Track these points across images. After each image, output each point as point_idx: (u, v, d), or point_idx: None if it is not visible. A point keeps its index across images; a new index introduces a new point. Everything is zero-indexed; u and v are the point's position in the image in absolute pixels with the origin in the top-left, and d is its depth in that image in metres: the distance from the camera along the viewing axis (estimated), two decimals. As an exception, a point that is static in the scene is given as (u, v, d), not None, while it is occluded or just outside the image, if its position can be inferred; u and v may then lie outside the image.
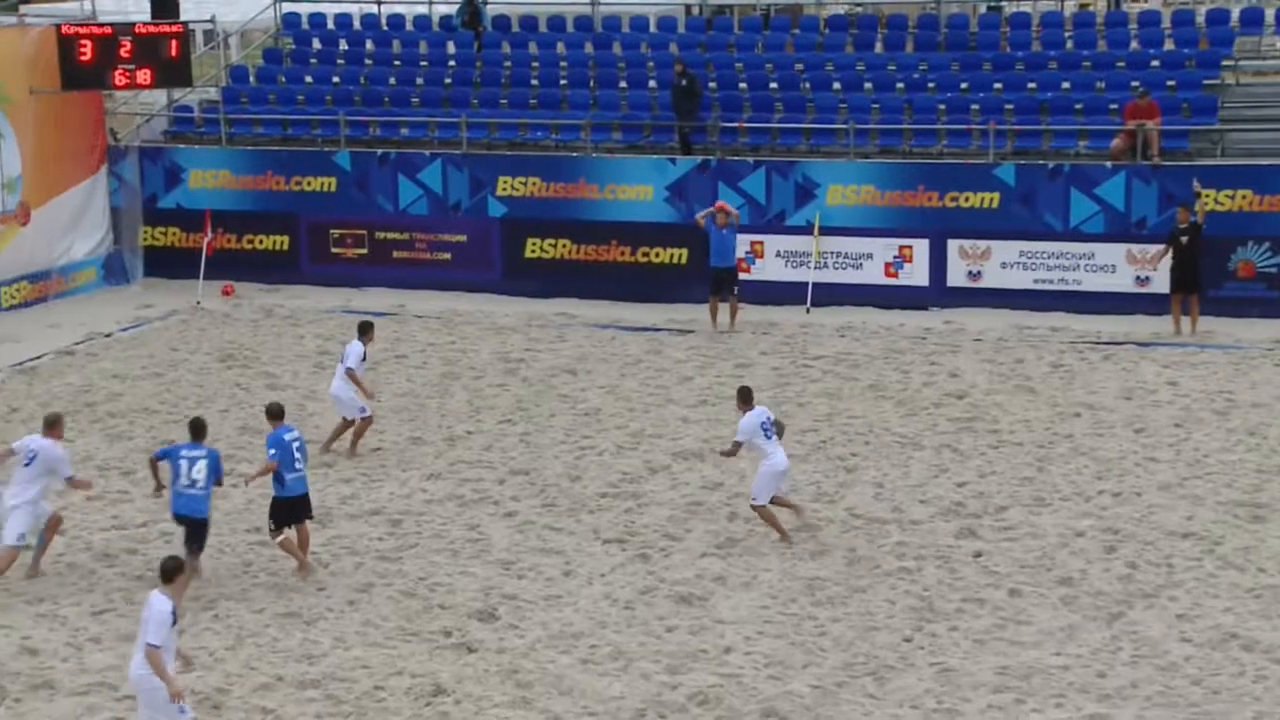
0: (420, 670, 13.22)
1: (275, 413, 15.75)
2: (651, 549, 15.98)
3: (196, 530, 14.89)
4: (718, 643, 13.76)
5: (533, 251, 28.00)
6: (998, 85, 27.68)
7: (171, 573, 11.61)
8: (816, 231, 26.53)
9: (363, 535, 16.45)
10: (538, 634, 13.98)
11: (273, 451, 15.25)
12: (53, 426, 15.42)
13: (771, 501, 16.10)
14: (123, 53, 27.34)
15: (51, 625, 14.14)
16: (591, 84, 29.65)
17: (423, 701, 12.67)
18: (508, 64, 30.53)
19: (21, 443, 15.40)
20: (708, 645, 13.71)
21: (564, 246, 27.88)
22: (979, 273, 26.17)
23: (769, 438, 16.06)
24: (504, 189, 28.07)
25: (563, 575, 15.33)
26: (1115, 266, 25.54)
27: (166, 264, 29.18)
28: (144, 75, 27.76)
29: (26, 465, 15.09)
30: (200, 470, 14.71)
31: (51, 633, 13.95)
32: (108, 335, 25.38)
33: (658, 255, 27.54)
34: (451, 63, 31.04)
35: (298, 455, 15.28)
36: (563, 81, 29.89)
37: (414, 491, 17.77)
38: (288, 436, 15.32)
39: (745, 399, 16.32)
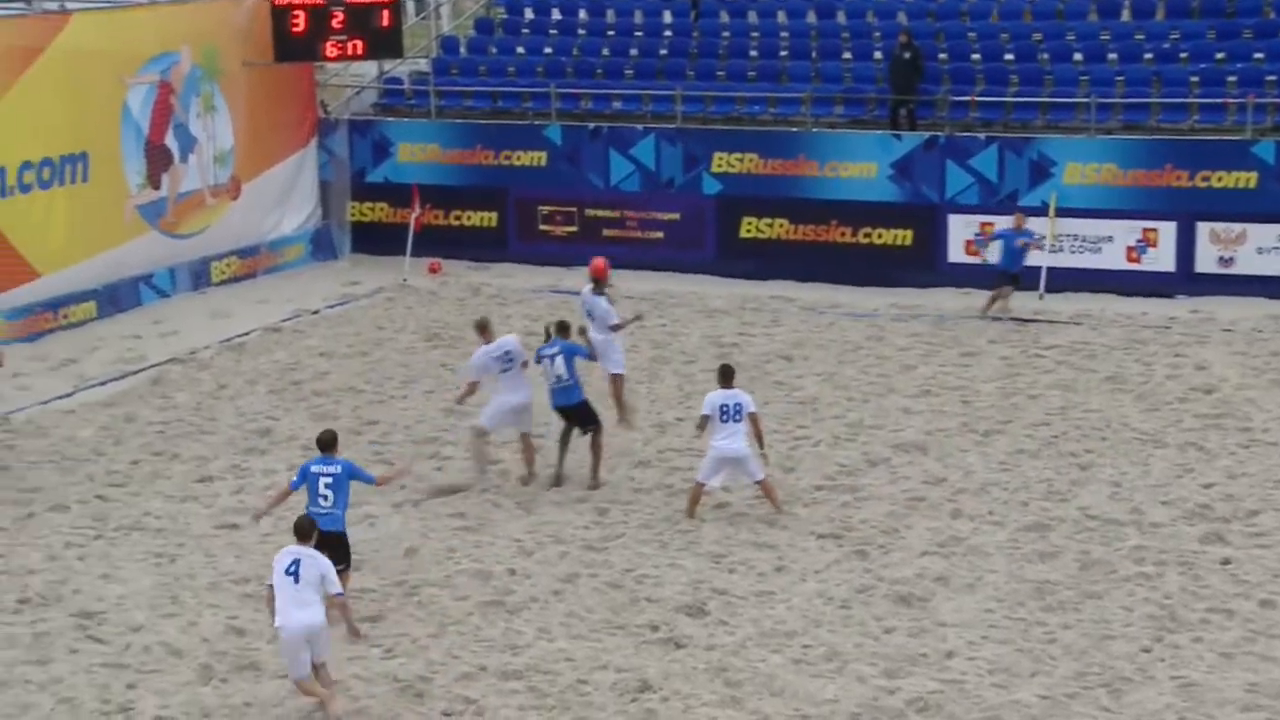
0: (626, 665, 13.34)
1: (325, 443, 14.80)
2: (869, 545, 15.88)
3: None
4: (939, 646, 13.62)
5: (748, 231, 27.97)
6: (1258, 55, 26.74)
7: (303, 532, 12.78)
8: (1052, 213, 26.00)
9: (568, 523, 16.64)
10: (748, 631, 14.00)
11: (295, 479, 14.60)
12: (484, 330, 18.02)
13: (764, 488, 16.67)
14: (334, 24, 28.03)
15: (257, 606, 14.58)
16: (813, 55, 29.48)
17: (628, 697, 12.79)
18: (725, 34, 30.53)
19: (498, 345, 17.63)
20: (928, 649, 13.58)
21: (781, 226, 27.79)
22: (1231, 258, 25.38)
23: (724, 421, 16.34)
24: (719, 165, 28.09)
25: (775, 571, 15.32)
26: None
27: (373, 240, 29.82)
28: (355, 46, 28.41)
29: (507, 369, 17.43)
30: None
31: (258, 614, 14.40)
32: (315, 312, 26.08)
33: (880, 236, 27.28)
34: (667, 33, 31.14)
35: (324, 492, 14.20)
36: (783, 52, 29.76)
37: (622, 480, 17.91)
38: (314, 469, 14.41)
39: (725, 377, 16.70)
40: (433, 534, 16.36)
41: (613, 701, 12.73)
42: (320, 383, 21.94)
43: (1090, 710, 12.45)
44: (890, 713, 12.48)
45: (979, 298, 25.34)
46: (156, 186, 26.77)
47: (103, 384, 22.06)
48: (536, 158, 29.15)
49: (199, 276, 27.47)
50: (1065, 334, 23.70)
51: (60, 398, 21.36)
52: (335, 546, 13.59)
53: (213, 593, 14.96)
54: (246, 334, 24.70)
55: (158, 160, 26.75)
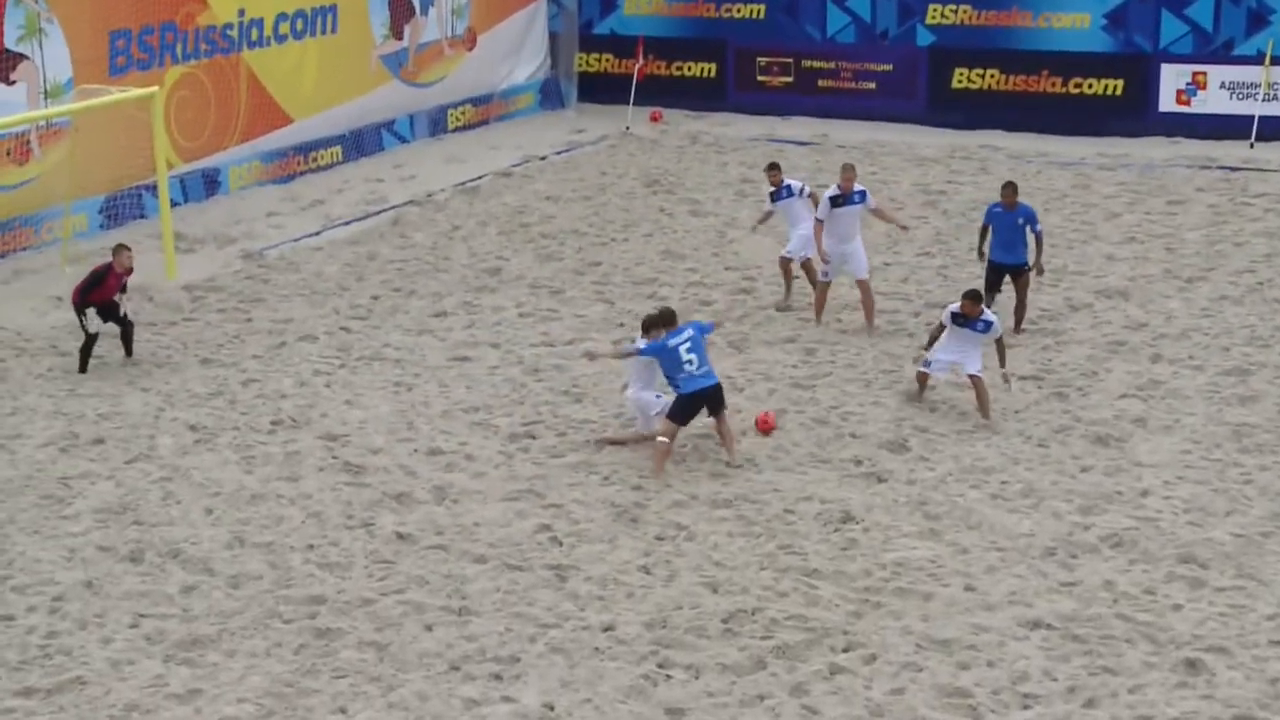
0: (830, 496, 13.31)
1: (664, 320, 14.22)
2: (1069, 387, 15.53)
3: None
4: (1134, 485, 13.31)
5: (959, 81, 27.23)
6: None
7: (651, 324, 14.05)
8: (1268, 61, 24.77)
9: (778, 362, 16.57)
10: (949, 467, 13.83)
11: (645, 357, 14.08)
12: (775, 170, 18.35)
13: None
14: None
15: (485, 434, 14.85)
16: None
17: (831, 527, 12.77)
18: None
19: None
20: (1123, 487, 13.29)
21: (992, 77, 26.99)
22: None
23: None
24: (934, 17, 27.31)
25: (975, 409, 15.07)
26: None
27: (599, 90, 29.78)
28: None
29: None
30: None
31: (486, 440, 14.67)
32: (542, 158, 26.19)
33: (1091, 86, 26.34)
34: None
35: (687, 358, 13.79)
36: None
37: (829, 321, 17.74)
38: (672, 342, 13.87)
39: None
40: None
41: (816, 530, 12.72)
42: (547, 225, 22.08)
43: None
44: (1084, 547, 12.26)
45: (1189, 146, 24.39)
46: (399, 37, 27.01)
47: (347, 224, 22.52)
48: (756, 10, 28.67)
49: (436, 123, 27.75)
50: (1275, 182, 22.67)
51: (309, 235, 21.89)
52: (716, 396, 13.98)
53: (445, 420, 15.26)
54: (479, 178, 24.92)
55: (400, 12, 26.96)
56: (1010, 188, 17.19)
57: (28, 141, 20.72)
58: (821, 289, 17.62)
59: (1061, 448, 14.15)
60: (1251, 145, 24.52)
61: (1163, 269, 18.99)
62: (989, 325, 14.76)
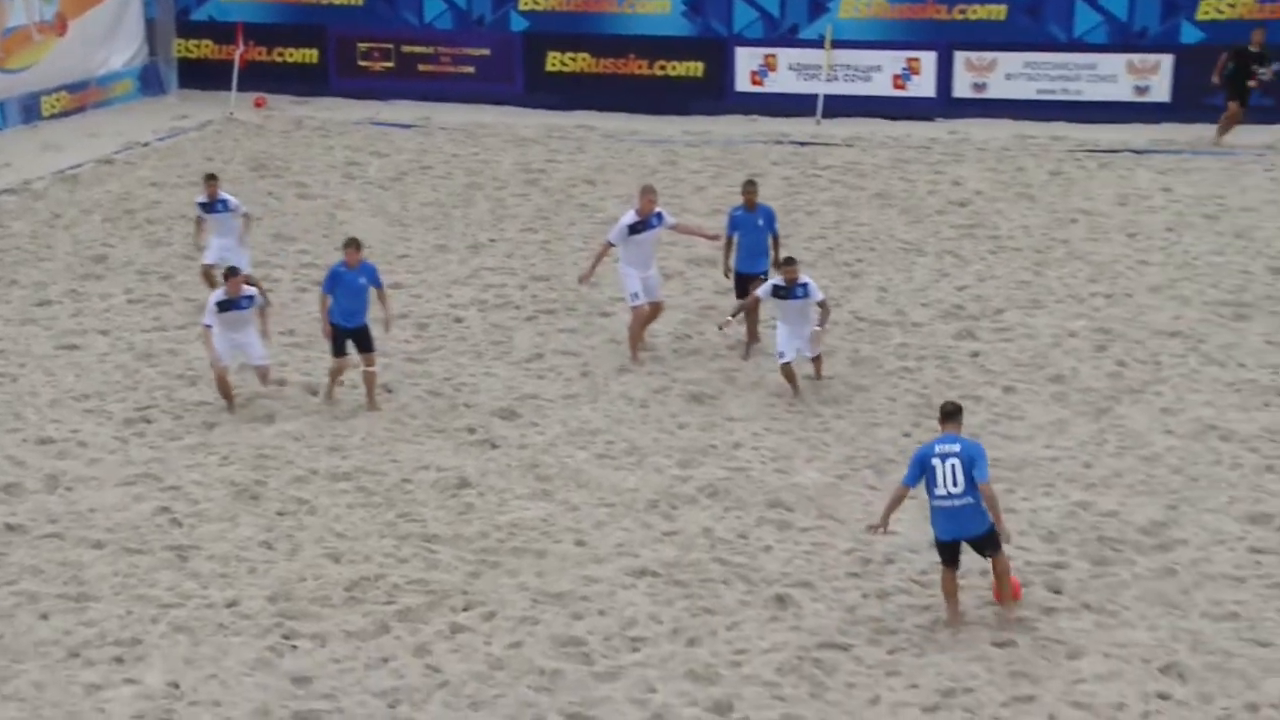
0: (446, 464, 13.36)
1: (947, 413, 10.89)
2: (665, 350, 16.01)
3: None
4: (726, 439, 13.86)
5: (553, 65, 27.58)
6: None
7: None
8: (828, 45, 26.05)
9: (391, 337, 16.45)
10: (557, 430, 14.08)
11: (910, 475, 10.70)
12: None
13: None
14: None
15: (99, 420, 14.27)
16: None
17: (449, 493, 12.83)
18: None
19: None
20: (717, 441, 13.81)
21: (584, 60, 27.45)
22: (984, 84, 25.75)
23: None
24: (526, 3, 27.55)
25: (581, 375, 15.39)
26: (1116, 76, 25.12)
27: (200, 76, 28.81)
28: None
29: None
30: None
31: (99, 427, 14.10)
32: (145, 144, 25.20)
33: (674, 69, 27.10)
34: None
35: (946, 477, 10.43)
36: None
37: (439, 296, 17.76)
38: (940, 449, 10.53)
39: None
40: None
41: (434, 498, 12.77)
42: (153, 211, 21.28)
43: (858, 489, 12.81)
44: (684, 498, 12.70)
45: (764, 124, 25.47)
46: (-15, 24, 25.49)
47: (-58, 217, 21.18)
48: (353, -4, 28.29)
49: (30, 111, 26.31)
50: (839, 155, 23.89)
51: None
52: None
53: (55, 409, 14.58)
54: (79, 166, 23.79)
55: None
56: (750, 186, 15.93)
57: None
58: (636, 315, 15.70)
59: (661, 407, 14.60)
60: (818, 122, 25.77)
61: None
62: (807, 288, 14.45)
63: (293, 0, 28.56)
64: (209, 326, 14.27)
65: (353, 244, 14.55)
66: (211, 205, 17.53)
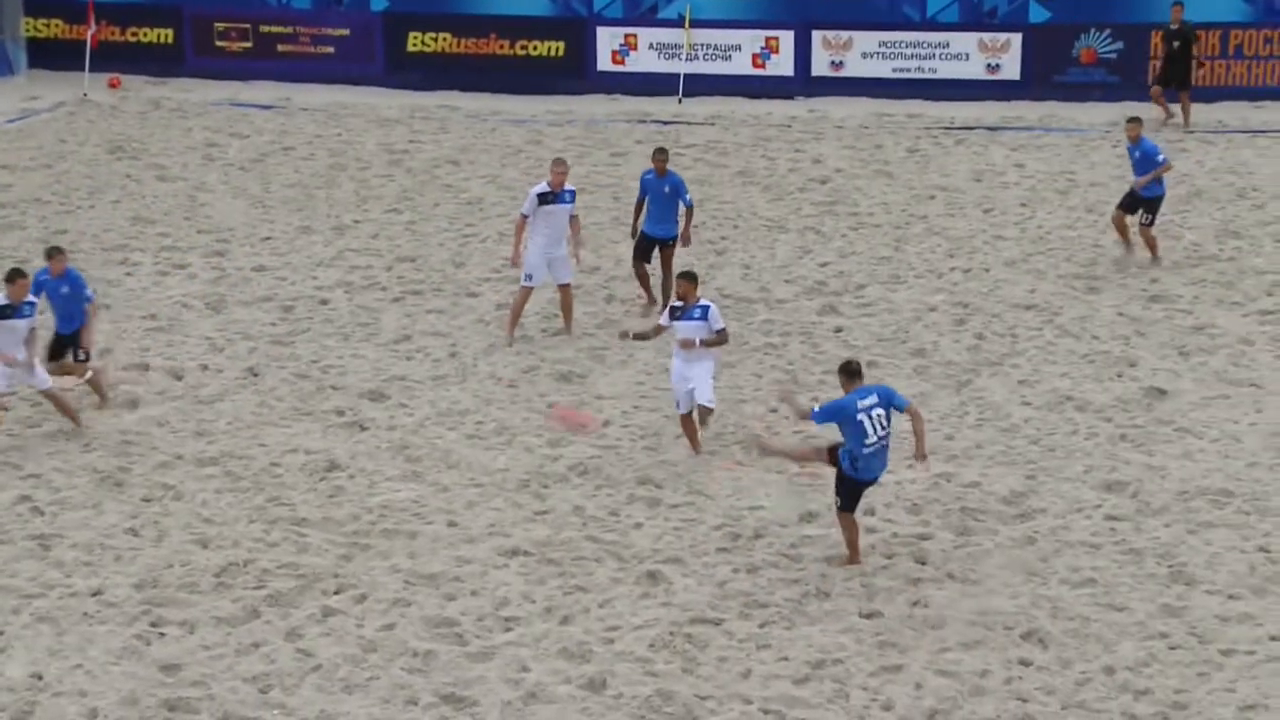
0: (315, 447, 13.16)
1: (852, 371, 11.15)
2: (534, 330, 15.92)
3: None
4: (597, 416, 13.82)
5: (415, 45, 27.25)
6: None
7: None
8: (687, 24, 26.07)
9: (256, 321, 16.19)
10: (426, 412, 13.94)
11: (826, 422, 11.18)
12: None
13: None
14: None
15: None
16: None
17: (318, 476, 12.64)
18: None
19: None
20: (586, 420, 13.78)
21: (445, 40, 27.16)
22: (841, 62, 25.97)
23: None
24: (385, -18, 27.20)
25: (449, 356, 15.24)
26: (968, 55, 25.50)
27: (51, 55, 27.93)
28: None
29: None
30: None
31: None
32: (-5, 127, 24.46)
33: (535, 49, 26.93)
34: None
35: (874, 427, 10.89)
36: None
37: (304, 278, 17.47)
38: (862, 404, 10.90)
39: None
40: (123, 336, 15.68)
41: (304, 481, 12.57)
42: (5, 194, 20.64)
43: (726, 462, 12.84)
44: (554, 477, 12.65)
45: (625, 103, 25.45)
46: None
47: None
48: (209, -24, 27.67)
49: None
50: (701, 134, 23.93)
51: None
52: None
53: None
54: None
55: None
56: (661, 153, 16.12)
57: None
58: (523, 294, 15.48)
59: (530, 387, 14.51)
60: (679, 101, 25.79)
61: (611, 216, 19.71)
62: (706, 310, 12.93)
63: (147, -22, 27.85)
64: None
65: (55, 252, 13.81)
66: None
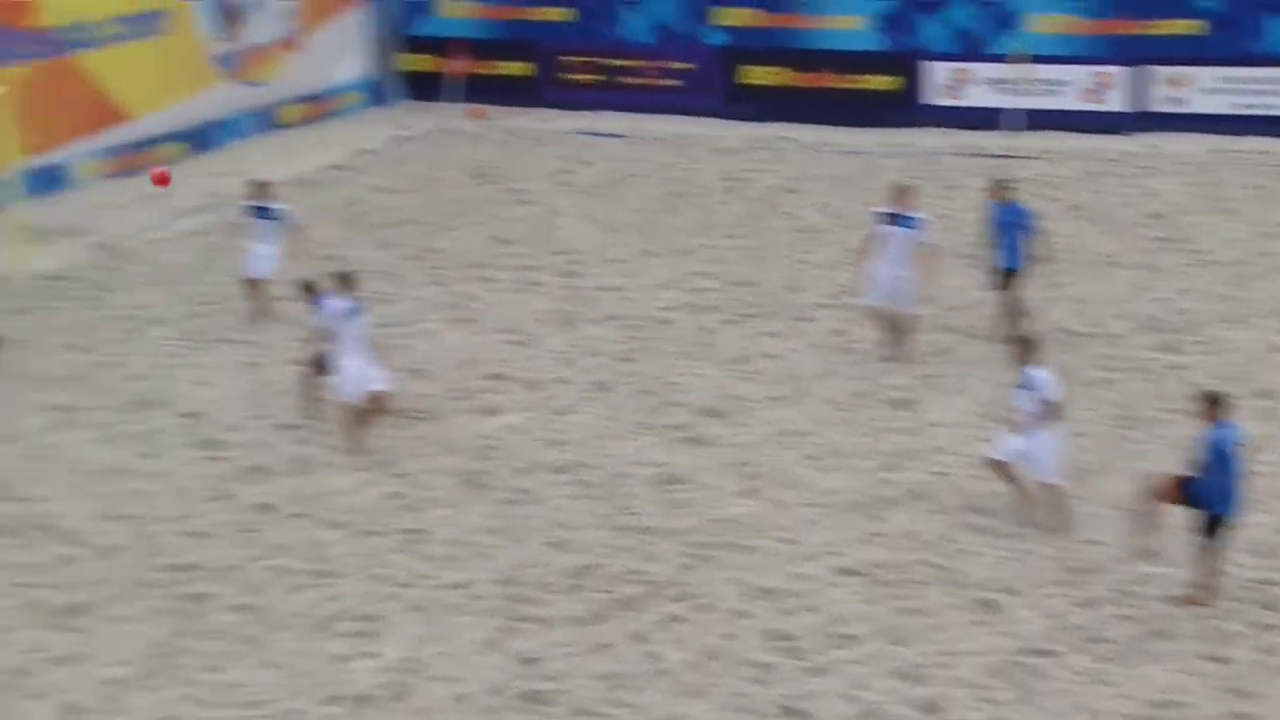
0: (659, 460, 13.37)
1: (1217, 402, 10.56)
2: (869, 356, 15.79)
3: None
4: (929, 444, 13.62)
5: (752, 79, 27.46)
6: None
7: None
8: (1023, 59, 25.46)
9: (603, 337, 16.56)
10: (764, 431, 13.99)
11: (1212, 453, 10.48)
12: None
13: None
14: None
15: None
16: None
17: (662, 488, 12.84)
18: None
19: None
20: (920, 445, 13.59)
21: (781, 74, 27.29)
22: (1180, 99, 24.94)
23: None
24: (721, 19, 27.55)
25: (786, 378, 15.27)
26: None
27: (421, 88, 29.29)
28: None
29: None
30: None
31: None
32: (372, 153, 25.71)
33: (868, 82, 26.80)
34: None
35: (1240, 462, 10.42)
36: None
37: (648, 299, 17.78)
38: (1232, 436, 10.48)
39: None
40: (485, 348, 16.26)
41: (649, 492, 12.79)
42: (382, 215, 21.70)
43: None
44: (887, 501, 12.52)
45: (958, 136, 25.05)
46: (230, 39, 26.28)
47: (191, 216, 21.80)
48: (564, 13, 28.52)
49: (268, 121, 27.06)
50: (1032, 168, 23.33)
51: (155, 227, 21.15)
52: None
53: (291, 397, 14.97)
54: (313, 172, 24.35)
55: (230, 16, 26.22)
56: (999, 184, 15.69)
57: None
58: (869, 312, 15.53)
59: (864, 411, 14.40)
60: (1020, 132, 25.11)
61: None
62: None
63: (507, 17, 28.89)
64: None
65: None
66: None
